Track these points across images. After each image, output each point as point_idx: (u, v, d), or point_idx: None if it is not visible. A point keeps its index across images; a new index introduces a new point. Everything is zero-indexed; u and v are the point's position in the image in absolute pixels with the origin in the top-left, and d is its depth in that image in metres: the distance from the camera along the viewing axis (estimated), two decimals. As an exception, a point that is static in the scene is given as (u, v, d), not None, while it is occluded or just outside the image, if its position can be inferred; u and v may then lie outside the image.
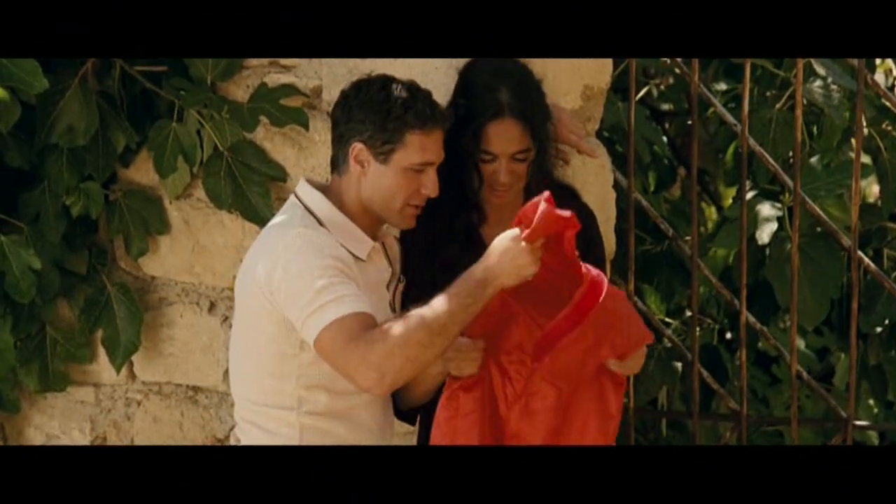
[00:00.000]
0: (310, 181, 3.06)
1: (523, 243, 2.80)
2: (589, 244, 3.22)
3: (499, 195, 3.11)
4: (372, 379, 2.79)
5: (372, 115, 2.94)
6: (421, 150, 2.96)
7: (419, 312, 2.81)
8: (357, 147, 2.96)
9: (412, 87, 3.00)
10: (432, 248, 3.11)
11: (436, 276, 3.09)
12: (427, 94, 3.00)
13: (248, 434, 3.03)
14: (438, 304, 2.81)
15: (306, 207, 3.00)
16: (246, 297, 2.99)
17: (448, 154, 3.04)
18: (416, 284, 3.13)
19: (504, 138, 3.05)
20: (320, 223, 2.97)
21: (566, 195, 3.23)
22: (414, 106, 2.95)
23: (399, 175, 2.97)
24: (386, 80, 3.00)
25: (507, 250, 2.81)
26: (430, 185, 2.99)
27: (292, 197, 3.05)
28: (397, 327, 2.80)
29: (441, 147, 3.00)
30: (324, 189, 3.04)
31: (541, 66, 3.21)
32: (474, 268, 2.84)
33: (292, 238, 2.91)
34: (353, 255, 2.97)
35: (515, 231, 2.83)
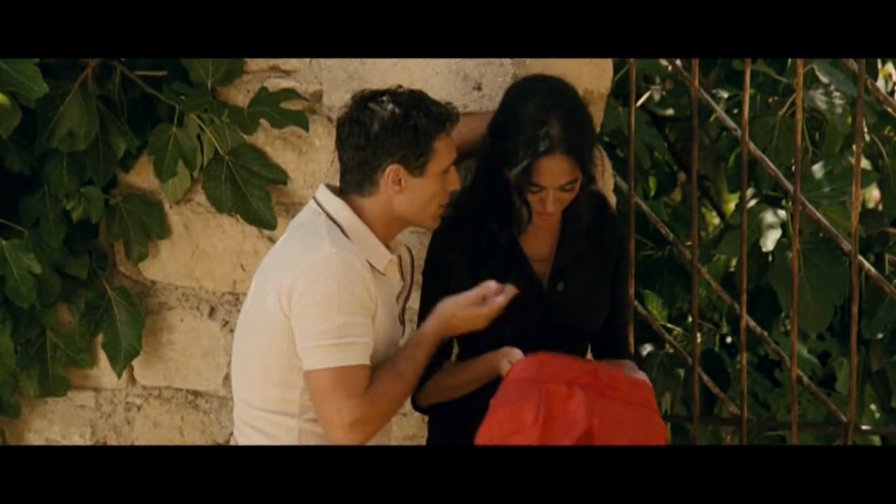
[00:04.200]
0: (329, 186, 3.04)
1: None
2: (620, 258, 3.22)
3: (543, 219, 3.06)
4: (354, 441, 2.91)
5: (401, 135, 2.93)
6: (448, 151, 2.99)
7: (404, 373, 2.94)
8: (391, 168, 2.95)
9: (415, 93, 3.00)
10: (477, 264, 3.08)
11: None
12: (426, 96, 3.00)
13: (247, 437, 3.03)
14: (410, 359, 2.95)
15: (328, 215, 2.99)
16: (261, 303, 2.97)
17: (488, 176, 3.04)
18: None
19: (554, 173, 2.97)
20: (344, 233, 2.97)
21: (599, 205, 3.21)
22: (430, 112, 2.96)
23: (436, 182, 2.99)
24: (394, 95, 2.97)
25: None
26: (453, 181, 3.03)
27: (312, 203, 3.04)
28: (389, 392, 2.93)
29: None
30: (341, 196, 3.02)
31: (541, 70, 3.21)
32: (426, 324, 2.98)
33: (322, 258, 2.89)
34: (373, 267, 2.97)
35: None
